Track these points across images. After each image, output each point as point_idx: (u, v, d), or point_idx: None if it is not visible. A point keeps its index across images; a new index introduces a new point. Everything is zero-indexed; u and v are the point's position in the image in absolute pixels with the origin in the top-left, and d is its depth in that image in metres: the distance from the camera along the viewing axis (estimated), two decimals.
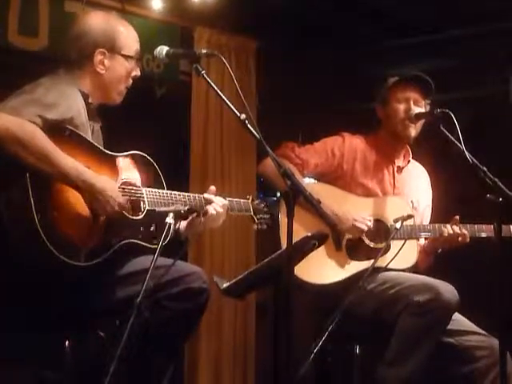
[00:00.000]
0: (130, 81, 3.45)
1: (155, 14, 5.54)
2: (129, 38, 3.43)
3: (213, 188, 3.54)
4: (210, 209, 3.45)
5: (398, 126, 4.15)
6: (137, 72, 3.45)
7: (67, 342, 3.28)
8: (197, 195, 3.49)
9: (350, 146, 4.19)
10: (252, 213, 3.67)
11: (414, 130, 4.15)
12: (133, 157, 3.38)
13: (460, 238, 4.02)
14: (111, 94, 3.43)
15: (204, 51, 3.29)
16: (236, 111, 3.09)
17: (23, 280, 3.06)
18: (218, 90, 3.17)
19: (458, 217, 4.05)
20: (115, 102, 3.46)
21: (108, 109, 3.51)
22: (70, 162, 3.06)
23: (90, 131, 3.32)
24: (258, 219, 3.68)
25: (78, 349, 3.29)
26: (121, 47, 3.38)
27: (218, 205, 3.47)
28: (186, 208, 3.14)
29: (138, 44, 3.46)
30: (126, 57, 3.40)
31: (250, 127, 3.07)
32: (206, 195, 3.50)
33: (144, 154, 3.42)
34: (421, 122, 4.15)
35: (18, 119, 2.98)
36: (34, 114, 3.02)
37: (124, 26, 3.44)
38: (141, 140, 3.54)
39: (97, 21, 3.40)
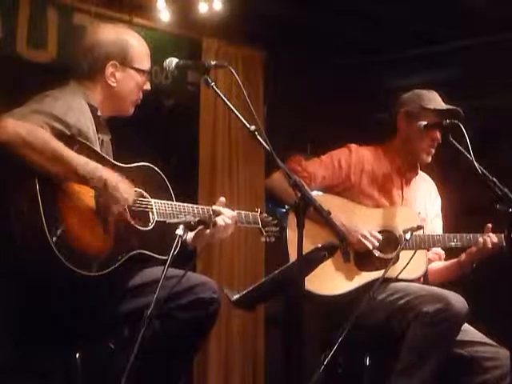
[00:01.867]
0: (141, 94, 3.45)
1: (163, 25, 5.56)
2: (141, 51, 3.42)
3: (222, 199, 3.54)
4: (219, 220, 3.44)
5: (418, 153, 4.14)
6: (147, 86, 3.45)
7: (77, 354, 3.28)
8: (205, 207, 3.50)
9: (357, 157, 4.18)
10: (260, 225, 3.67)
11: (430, 158, 4.16)
12: (141, 168, 3.38)
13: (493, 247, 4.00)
14: (122, 106, 3.43)
15: (213, 62, 3.28)
16: (246, 122, 3.09)
17: (33, 290, 3.05)
18: (228, 102, 3.18)
19: (490, 225, 4.04)
20: (127, 113, 3.46)
21: (116, 120, 3.51)
22: (82, 160, 3.06)
23: (99, 144, 3.31)
24: (266, 232, 3.68)
25: (89, 360, 3.29)
26: (133, 60, 3.38)
27: (226, 216, 3.47)
28: (196, 220, 3.14)
29: (149, 57, 3.46)
30: (138, 70, 3.40)
31: (260, 139, 3.07)
32: (214, 207, 3.50)
33: (152, 166, 3.42)
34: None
35: (27, 124, 2.98)
36: (42, 122, 3.02)
37: (136, 39, 3.45)
38: (149, 151, 3.55)
39: (109, 33, 3.40)
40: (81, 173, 3.04)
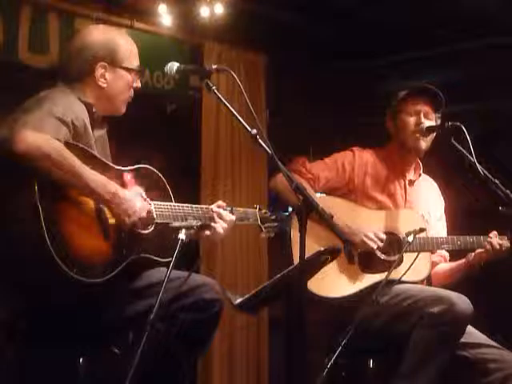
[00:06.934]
0: (132, 92, 3.44)
1: (165, 30, 5.58)
2: (129, 50, 3.41)
3: (221, 203, 3.54)
4: (217, 227, 3.44)
5: (408, 139, 4.14)
6: (137, 84, 3.44)
7: (81, 359, 3.28)
8: (205, 206, 3.48)
9: (361, 160, 4.19)
10: (259, 222, 3.67)
11: (424, 143, 4.14)
12: (139, 170, 3.37)
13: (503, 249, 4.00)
14: (114, 105, 3.41)
15: (214, 67, 3.29)
16: (247, 126, 3.09)
17: (34, 297, 3.05)
18: (229, 106, 3.18)
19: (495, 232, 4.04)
20: (119, 112, 3.45)
21: (119, 125, 3.49)
22: (97, 176, 3.07)
23: (94, 140, 3.29)
24: (265, 228, 3.67)
25: (92, 365, 3.29)
26: (121, 60, 3.37)
27: (224, 221, 3.46)
28: (199, 224, 3.14)
29: (137, 55, 3.45)
30: (127, 69, 3.39)
31: (262, 142, 3.07)
32: (215, 209, 3.49)
33: (151, 168, 3.41)
34: (431, 135, 4.15)
35: (45, 135, 2.96)
36: (55, 129, 3.01)
37: (124, 38, 3.44)
38: (152, 155, 3.54)
39: (97, 34, 3.39)
40: (92, 187, 3.05)
